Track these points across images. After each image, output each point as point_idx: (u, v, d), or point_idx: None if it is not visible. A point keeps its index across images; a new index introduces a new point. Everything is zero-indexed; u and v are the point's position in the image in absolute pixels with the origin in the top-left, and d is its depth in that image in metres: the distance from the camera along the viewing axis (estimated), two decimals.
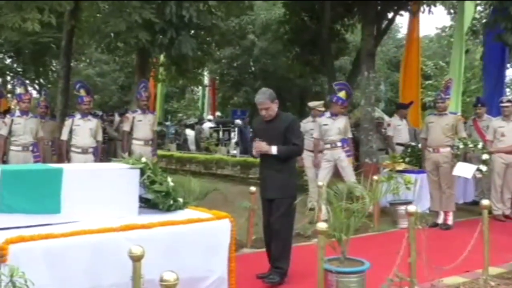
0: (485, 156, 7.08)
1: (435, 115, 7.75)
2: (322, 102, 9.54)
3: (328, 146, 8.00)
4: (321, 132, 8.06)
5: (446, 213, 7.44)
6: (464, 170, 7.04)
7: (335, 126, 7.94)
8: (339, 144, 7.94)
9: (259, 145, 4.74)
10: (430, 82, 20.60)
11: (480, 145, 7.15)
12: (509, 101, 8.25)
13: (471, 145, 7.14)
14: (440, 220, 7.47)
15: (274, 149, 4.70)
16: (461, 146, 7.17)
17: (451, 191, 7.44)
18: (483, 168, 7.04)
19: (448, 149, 7.34)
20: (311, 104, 9.27)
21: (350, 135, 8.15)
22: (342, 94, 8.12)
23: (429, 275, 4.50)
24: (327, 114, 8.16)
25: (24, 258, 2.87)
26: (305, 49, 11.92)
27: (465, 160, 7.29)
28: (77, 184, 3.56)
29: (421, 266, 4.38)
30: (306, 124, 8.74)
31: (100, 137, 8.16)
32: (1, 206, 3.28)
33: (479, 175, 7.21)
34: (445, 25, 24.28)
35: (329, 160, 7.95)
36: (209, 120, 21.01)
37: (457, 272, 4.90)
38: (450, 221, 7.43)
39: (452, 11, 13.36)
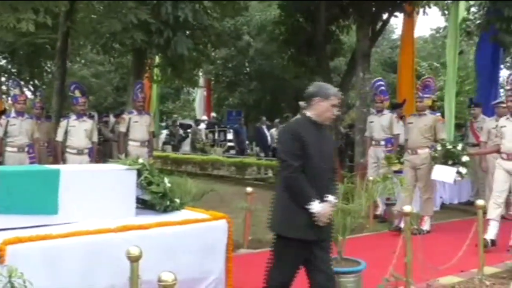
0: (465, 158, 6.66)
1: (414, 115, 7.52)
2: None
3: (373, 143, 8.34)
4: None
5: (422, 217, 7.07)
6: (444, 173, 6.66)
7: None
8: (382, 142, 8.20)
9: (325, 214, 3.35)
10: None
11: (459, 147, 6.74)
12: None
13: (449, 147, 6.71)
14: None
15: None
16: (439, 148, 6.79)
17: (428, 195, 7.20)
18: (463, 170, 6.63)
19: (427, 150, 7.07)
20: (304, 104, 9.31)
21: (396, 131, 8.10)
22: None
23: (424, 274, 4.53)
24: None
25: (22, 259, 2.88)
26: (300, 50, 11.93)
27: (446, 163, 6.77)
28: (74, 185, 3.57)
29: (416, 266, 4.41)
30: None
31: (95, 138, 8.16)
32: None
33: (458, 178, 6.71)
34: (439, 26, 24.36)
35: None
36: (203, 121, 21.03)
37: (452, 271, 4.94)
38: (426, 225, 7.10)
39: (446, 12, 13.40)
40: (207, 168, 13.92)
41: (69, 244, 3.17)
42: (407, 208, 4.63)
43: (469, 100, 9.98)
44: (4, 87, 17.38)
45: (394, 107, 10.12)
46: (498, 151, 6.42)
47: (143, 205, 4.01)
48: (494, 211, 6.07)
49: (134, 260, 2.90)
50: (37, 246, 3.06)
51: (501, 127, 6.36)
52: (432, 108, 8.04)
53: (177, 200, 4.04)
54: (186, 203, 4.20)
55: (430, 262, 4.63)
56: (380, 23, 10.72)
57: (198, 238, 3.71)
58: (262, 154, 15.66)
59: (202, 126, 20.08)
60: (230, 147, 17.78)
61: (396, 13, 10.85)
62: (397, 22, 40.67)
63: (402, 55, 13.02)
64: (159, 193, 3.91)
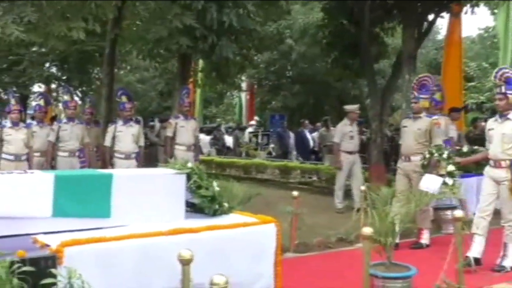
0: (450, 168, 5.97)
1: (409, 118, 6.77)
2: (358, 105, 9.51)
3: None
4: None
5: (420, 230, 6.55)
6: (431, 183, 5.94)
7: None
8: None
9: None
10: (473, 84, 20.15)
11: (445, 155, 6.04)
12: None
13: (436, 154, 6.03)
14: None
15: None
16: (427, 155, 6.12)
17: (424, 206, 6.26)
18: (449, 181, 5.92)
19: (420, 157, 6.36)
20: (348, 107, 9.26)
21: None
22: (438, 95, 8.05)
23: (477, 281, 4.42)
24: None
25: (78, 261, 2.95)
26: (344, 53, 11.83)
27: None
28: (126, 189, 3.66)
29: (469, 272, 4.31)
30: (344, 127, 8.78)
31: (142, 143, 8.29)
32: (55, 211, 3.40)
33: (445, 190, 5.98)
34: (488, 26, 23.73)
35: None
36: (251, 125, 21.20)
37: (507, 278, 4.80)
38: (424, 239, 6.50)
39: (496, 11, 13.02)
40: (251, 171, 13.97)
41: (122, 246, 3.24)
42: (458, 213, 4.54)
43: None
44: (55, 94, 17.96)
45: (451, 110, 9.88)
46: (487, 158, 5.69)
47: (192, 208, 4.06)
48: (480, 225, 5.41)
49: (185, 263, 2.94)
50: (92, 248, 3.13)
51: (489, 130, 5.61)
52: (466, 110, 7.68)
53: (226, 204, 4.08)
54: (234, 207, 4.23)
55: (483, 268, 4.51)
56: (426, 24, 10.51)
57: (248, 241, 3.73)
58: (300, 159, 15.56)
59: (250, 130, 20.27)
60: (273, 148, 17.80)
61: (443, 14, 10.64)
62: (442, 22, 39.79)
63: (448, 56, 12.75)
64: (208, 196, 3.96)
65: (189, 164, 4.08)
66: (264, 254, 3.82)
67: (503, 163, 5.31)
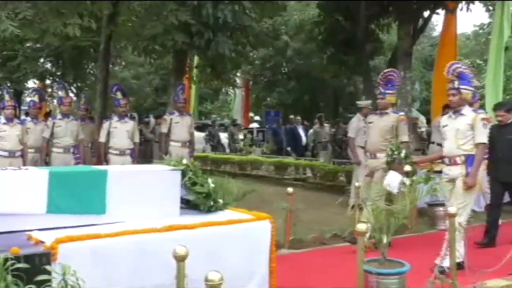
0: (407, 167, 5.69)
1: (375, 114, 6.53)
2: (370, 101, 9.45)
3: None
4: None
5: None
6: (392, 180, 5.68)
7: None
8: None
9: None
10: None
11: (402, 154, 5.76)
12: None
13: (396, 153, 5.76)
14: None
15: None
16: (389, 152, 5.83)
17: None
18: (407, 181, 5.59)
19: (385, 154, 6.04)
20: (362, 103, 9.14)
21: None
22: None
23: (470, 277, 4.43)
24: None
25: (73, 257, 2.95)
26: (339, 49, 11.85)
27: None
28: (121, 185, 3.66)
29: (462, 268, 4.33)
30: (359, 123, 8.62)
31: (137, 139, 8.28)
32: (49, 207, 3.39)
33: (403, 189, 5.57)
34: (483, 23, 23.76)
35: None
36: (256, 121, 21.32)
37: (500, 274, 4.81)
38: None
39: (491, 8, 13.05)
40: (246, 168, 13.97)
41: (117, 243, 3.24)
42: (452, 209, 4.56)
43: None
44: (49, 90, 17.89)
45: (445, 107, 9.89)
46: (442, 157, 5.54)
47: (187, 205, 4.07)
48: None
49: (180, 259, 2.95)
50: (87, 245, 3.13)
51: (443, 126, 5.45)
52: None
53: (221, 201, 4.08)
54: (229, 203, 4.23)
55: (477, 264, 4.53)
56: (421, 21, 10.54)
57: (243, 238, 3.74)
58: (294, 155, 15.58)
59: (255, 125, 20.36)
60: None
61: (438, 11, 10.67)
62: (437, 19, 39.79)
63: (442, 52, 12.75)
64: (203, 193, 3.96)
65: (184, 161, 4.08)
66: (259, 251, 3.83)
67: (458, 159, 5.21)
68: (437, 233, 6.64)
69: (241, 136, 18.85)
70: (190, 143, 8.66)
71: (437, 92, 12.14)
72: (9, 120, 7.71)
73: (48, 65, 17.88)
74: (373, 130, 6.39)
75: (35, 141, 8.14)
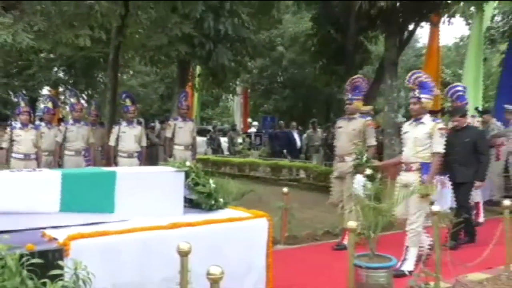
0: (368, 171, 5.40)
1: (344, 119, 6.24)
2: (372, 106, 9.40)
3: None
4: None
5: (345, 231, 5.68)
6: (357, 184, 5.49)
7: None
8: None
9: None
10: None
11: (364, 158, 5.55)
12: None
13: (359, 157, 5.58)
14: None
15: None
16: (355, 156, 5.69)
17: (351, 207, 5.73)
18: (369, 184, 5.29)
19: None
20: (364, 108, 9.11)
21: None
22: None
23: (453, 271, 4.43)
24: None
25: (84, 253, 2.93)
26: (331, 60, 11.90)
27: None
28: (129, 186, 3.62)
29: (445, 262, 4.33)
30: None
31: (144, 143, 8.26)
32: (62, 206, 3.37)
33: (367, 193, 5.27)
34: (463, 35, 23.85)
35: None
36: (254, 126, 21.37)
37: (480, 268, 4.82)
38: (345, 239, 5.67)
39: (470, 21, 13.11)
40: (245, 169, 13.96)
41: (125, 239, 3.21)
42: (435, 208, 4.55)
43: (475, 109, 9.22)
44: (62, 97, 17.86)
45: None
46: (401, 163, 5.31)
47: (190, 204, 4.04)
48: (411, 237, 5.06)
49: (184, 254, 2.94)
50: (97, 241, 3.11)
51: (404, 133, 5.27)
52: (442, 113, 7.48)
53: (221, 200, 4.07)
54: (229, 203, 4.22)
55: (459, 259, 4.53)
56: (406, 33, 10.57)
57: (242, 234, 3.72)
58: (289, 157, 15.57)
59: (253, 130, 20.37)
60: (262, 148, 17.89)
61: (422, 23, 10.71)
62: (421, 31, 39.91)
63: (427, 62, 12.82)
64: (205, 193, 3.94)
65: (187, 163, 4.07)
66: (257, 246, 3.81)
67: (413, 166, 5.05)
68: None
69: (240, 140, 18.86)
70: (192, 147, 8.65)
71: None
72: (24, 125, 7.72)
73: (61, 74, 17.88)
74: (342, 134, 6.16)
75: (49, 145, 8.14)
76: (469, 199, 6.45)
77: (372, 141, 6.03)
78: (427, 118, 5.11)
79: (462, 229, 6.06)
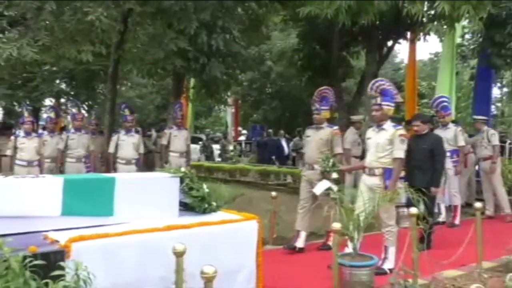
0: (334, 175, 5.42)
1: (312, 128, 6.07)
2: (363, 116, 9.40)
3: None
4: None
5: (328, 232, 5.71)
6: (321, 187, 5.50)
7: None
8: (448, 154, 7.27)
9: None
10: (425, 100, 20.45)
11: (330, 163, 5.48)
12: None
13: (325, 162, 5.51)
14: (300, 244, 5.78)
15: None
16: (322, 163, 5.59)
17: (306, 208, 5.79)
18: (334, 187, 5.33)
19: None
20: (355, 118, 9.04)
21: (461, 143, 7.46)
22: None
23: (430, 268, 4.45)
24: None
25: (84, 254, 2.90)
26: (316, 73, 11.92)
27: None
28: (127, 190, 3.60)
29: (423, 261, 4.34)
30: (354, 135, 8.53)
31: (141, 150, 8.22)
32: (64, 210, 3.34)
33: (333, 196, 5.27)
34: (437, 51, 24.13)
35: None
36: (243, 134, 21.35)
37: (454, 266, 4.84)
38: (298, 243, 5.75)
39: (443, 38, 13.27)
40: (236, 175, 13.93)
41: (124, 241, 3.19)
42: (413, 210, 4.57)
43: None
44: (64, 107, 17.73)
45: (407, 123, 9.97)
46: (364, 167, 5.21)
47: (185, 207, 4.02)
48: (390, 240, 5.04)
49: (179, 255, 2.93)
50: (97, 243, 3.08)
51: (367, 139, 5.16)
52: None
53: (214, 203, 4.05)
54: (221, 206, 4.20)
55: (435, 257, 4.55)
56: (385, 49, 10.66)
57: (233, 236, 3.71)
58: (277, 163, 15.57)
59: (243, 138, 20.33)
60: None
61: (400, 40, 10.81)
62: (399, 47, 40.41)
63: (407, 76, 12.94)
64: (198, 197, 3.93)
65: (182, 169, 4.06)
66: (248, 247, 3.80)
67: (376, 171, 4.93)
68: (400, 230, 6.63)
69: (231, 148, 18.84)
70: (186, 154, 8.61)
71: (407, 110, 12.33)
72: (27, 133, 7.66)
73: (63, 86, 17.75)
74: (310, 143, 5.97)
75: (51, 152, 8.07)
76: (434, 204, 6.28)
77: (339, 149, 5.90)
78: (388, 125, 4.99)
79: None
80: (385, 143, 4.91)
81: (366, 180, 5.04)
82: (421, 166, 5.79)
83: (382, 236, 5.28)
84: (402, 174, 5.31)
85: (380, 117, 4.99)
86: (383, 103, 4.94)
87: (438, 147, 6.04)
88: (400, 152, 4.89)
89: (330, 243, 5.61)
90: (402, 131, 4.98)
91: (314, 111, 5.98)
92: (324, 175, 5.48)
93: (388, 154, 4.90)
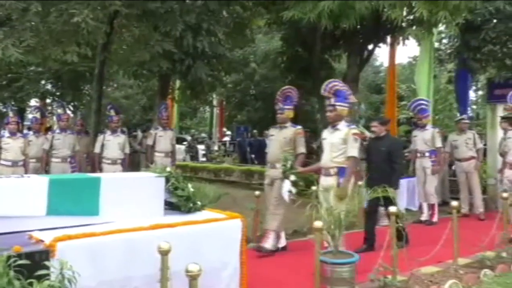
0: (292, 177, 5.25)
1: (275, 128, 5.96)
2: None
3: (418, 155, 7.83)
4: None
5: (266, 233, 5.65)
6: (284, 189, 5.34)
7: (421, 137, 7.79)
8: (427, 154, 7.70)
9: None
10: (404, 102, 20.67)
11: (289, 164, 5.30)
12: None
13: (285, 163, 5.34)
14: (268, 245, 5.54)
15: None
16: (282, 163, 5.42)
17: (275, 211, 5.62)
18: (293, 189, 5.24)
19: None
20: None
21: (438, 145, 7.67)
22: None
23: (408, 265, 4.50)
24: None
25: (69, 254, 2.86)
26: (299, 75, 11.96)
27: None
28: (113, 190, 3.56)
29: (402, 258, 4.39)
30: None
31: (127, 150, 8.16)
32: (49, 210, 3.28)
33: (292, 197, 5.31)
34: (416, 55, 24.38)
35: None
36: (228, 135, 21.28)
37: (431, 262, 4.90)
38: (268, 243, 5.51)
39: (421, 42, 13.44)
40: (220, 174, 13.91)
41: (109, 240, 3.15)
42: (393, 209, 4.62)
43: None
44: (49, 108, 17.46)
45: (382, 123, 10.06)
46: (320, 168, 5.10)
47: (170, 206, 4.00)
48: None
49: (164, 253, 2.91)
50: (82, 242, 3.04)
51: (322, 139, 5.10)
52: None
53: (199, 203, 4.03)
54: (206, 205, 4.19)
55: (413, 254, 4.60)
56: (366, 52, 10.75)
57: (218, 234, 3.69)
58: (256, 162, 15.54)
59: (228, 138, 20.23)
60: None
61: (380, 44, 10.92)
62: (379, 51, 40.80)
63: (388, 79, 13.08)
64: (183, 196, 3.90)
65: (167, 169, 4.03)
66: (232, 245, 3.79)
67: (331, 171, 4.89)
68: (379, 228, 6.70)
69: (215, 148, 18.79)
70: (172, 154, 8.57)
71: (386, 111, 12.45)
72: (12, 134, 7.54)
73: (49, 86, 17.44)
74: (273, 142, 5.86)
75: (36, 152, 7.96)
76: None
77: (302, 149, 5.75)
78: (342, 125, 4.94)
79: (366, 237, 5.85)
80: (339, 142, 4.87)
81: (322, 181, 4.97)
82: (380, 168, 5.69)
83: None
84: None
85: (334, 118, 4.95)
86: (336, 103, 4.91)
87: (396, 149, 5.97)
88: (353, 150, 4.84)
89: (265, 244, 5.51)
90: (355, 130, 4.95)
91: (278, 111, 5.87)
92: (285, 175, 5.34)
93: (342, 153, 4.86)
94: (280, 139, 5.77)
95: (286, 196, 5.30)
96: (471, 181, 8.21)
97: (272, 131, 6.01)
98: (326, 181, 4.92)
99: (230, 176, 13.57)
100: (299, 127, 5.94)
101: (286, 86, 6.06)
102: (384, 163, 5.75)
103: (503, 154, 7.56)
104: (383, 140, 5.99)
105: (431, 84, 11.01)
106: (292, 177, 5.25)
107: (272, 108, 5.94)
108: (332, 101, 4.93)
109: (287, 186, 5.27)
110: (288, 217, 7.12)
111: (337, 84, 4.98)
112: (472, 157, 8.22)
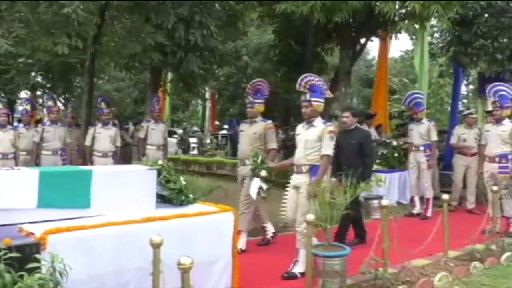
0: (263, 173, 5.05)
1: (245, 122, 5.76)
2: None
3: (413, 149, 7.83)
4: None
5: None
6: (253, 187, 5.11)
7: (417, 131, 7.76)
8: (421, 148, 7.68)
9: None
10: (396, 96, 20.76)
11: (259, 160, 5.08)
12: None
13: (254, 159, 5.10)
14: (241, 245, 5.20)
15: None
16: (251, 159, 5.17)
17: (245, 210, 5.48)
18: (264, 186, 5.04)
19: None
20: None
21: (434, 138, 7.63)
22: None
23: (399, 258, 4.53)
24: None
25: (61, 246, 2.84)
26: (291, 69, 11.92)
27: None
28: (104, 183, 3.54)
29: (393, 250, 4.42)
30: None
31: (118, 143, 8.12)
32: (40, 202, 3.26)
33: (263, 195, 5.10)
34: (408, 49, 24.49)
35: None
36: (224, 128, 21.29)
37: (422, 255, 4.95)
38: (241, 244, 5.17)
39: (414, 37, 13.47)
40: (212, 167, 13.89)
41: (101, 233, 3.14)
42: (384, 202, 4.64)
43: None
44: (40, 100, 17.29)
45: (367, 117, 10.12)
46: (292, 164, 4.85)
47: (162, 199, 3.99)
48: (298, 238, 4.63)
49: (156, 246, 2.90)
50: (74, 235, 3.02)
51: (296, 135, 4.84)
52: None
53: (191, 195, 4.02)
54: (198, 198, 4.18)
55: (404, 247, 4.63)
56: (358, 46, 10.75)
57: (210, 227, 3.69)
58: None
59: (225, 131, 20.39)
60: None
61: (372, 38, 10.92)
62: (372, 45, 40.80)
63: (378, 73, 13.10)
64: (175, 189, 3.89)
65: (159, 162, 4.01)
66: (224, 238, 3.79)
67: (303, 168, 4.63)
68: (372, 222, 6.75)
69: (208, 141, 18.75)
70: (164, 147, 8.55)
71: (375, 105, 12.48)
72: (2, 126, 7.47)
73: (39, 78, 17.25)
74: (243, 137, 5.66)
75: (27, 145, 7.89)
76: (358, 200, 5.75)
77: (273, 145, 5.57)
78: (318, 121, 4.68)
79: (354, 230, 5.80)
80: (313, 139, 4.61)
81: (293, 179, 4.75)
82: (350, 161, 5.38)
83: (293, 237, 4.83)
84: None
85: (310, 114, 4.67)
86: (312, 99, 4.65)
87: (366, 142, 5.80)
88: (328, 149, 4.60)
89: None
90: (332, 128, 4.70)
91: (248, 105, 5.68)
92: (255, 172, 5.08)
93: (316, 151, 4.60)
94: (250, 134, 5.57)
95: (254, 194, 5.07)
96: (470, 176, 8.23)
97: (242, 126, 5.78)
98: (297, 179, 4.69)
99: (222, 170, 13.54)
100: (269, 121, 5.73)
101: (257, 79, 5.83)
102: (355, 156, 5.59)
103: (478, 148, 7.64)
104: (354, 133, 5.82)
105: (426, 78, 11.05)
106: (263, 173, 5.03)
107: (265, 101, 5.84)
108: (308, 96, 4.67)
109: (256, 183, 5.03)
110: (279, 211, 7.16)
111: (313, 78, 4.73)
112: (477, 153, 8.24)
